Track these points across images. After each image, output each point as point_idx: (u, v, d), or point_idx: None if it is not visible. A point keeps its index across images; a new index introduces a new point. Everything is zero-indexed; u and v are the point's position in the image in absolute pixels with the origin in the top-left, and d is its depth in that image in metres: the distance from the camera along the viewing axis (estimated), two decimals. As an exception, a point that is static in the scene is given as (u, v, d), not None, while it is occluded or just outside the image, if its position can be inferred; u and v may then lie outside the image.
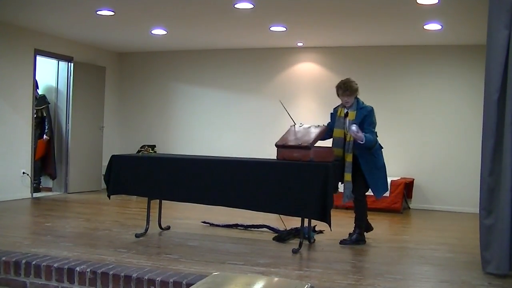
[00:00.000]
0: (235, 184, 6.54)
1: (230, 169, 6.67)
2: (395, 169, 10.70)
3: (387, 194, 9.90)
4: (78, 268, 5.09)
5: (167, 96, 12.70)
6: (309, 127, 6.80)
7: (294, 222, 7.21)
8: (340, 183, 6.82)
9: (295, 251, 6.33)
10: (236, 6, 8.17)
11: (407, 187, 10.40)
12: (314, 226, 7.37)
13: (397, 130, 10.71)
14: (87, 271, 5.05)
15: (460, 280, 5.39)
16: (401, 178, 10.49)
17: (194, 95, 12.45)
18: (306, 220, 6.67)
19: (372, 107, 6.83)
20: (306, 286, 3.15)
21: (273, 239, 7.11)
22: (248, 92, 12.04)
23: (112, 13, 8.82)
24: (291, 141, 6.56)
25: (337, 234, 7.11)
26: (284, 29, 9.81)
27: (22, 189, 10.42)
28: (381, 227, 8.77)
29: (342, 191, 6.87)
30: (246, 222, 7.98)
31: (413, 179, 10.61)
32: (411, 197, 10.68)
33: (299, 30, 10.09)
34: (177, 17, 9.21)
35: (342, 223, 7.55)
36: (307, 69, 11.70)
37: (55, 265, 5.16)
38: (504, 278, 5.36)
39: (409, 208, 10.65)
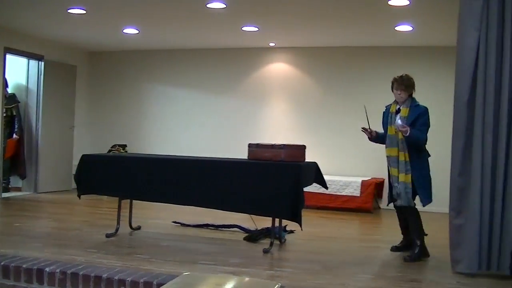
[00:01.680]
0: (206, 184, 6.53)
1: (201, 169, 6.66)
2: (366, 169, 10.77)
3: (351, 191, 10.00)
4: (47, 269, 5.03)
5: (139, 95, 12.64)
6: None
7: (265, 222, 7.20)
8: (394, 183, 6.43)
9: (266, 251, 6.35)
10: (208, 6, 8.15)
11: (378, 187, 10.45)
12: (285, 226, 7.37)
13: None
14: (57, 272, 4.99)
15: (429, 279, 5.48)
16: (372, 178, 10.55)
17: (166, 95, 12.41)
18: (277, 220, 6.72)
19: (427, 108, 6.43)
20: (277, 286, 3.16)
21: (244, 239, 7.11)
22: (220, 92, 12.02)
23: (84, 12, 8.75)
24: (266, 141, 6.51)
25: (307, 234, 7.11)
26: (256, 29, 9.82)
27: (-9, 189, 10.30)
28: (352, 227, 8.84)
29: (393, 192, 6.48)
30: (217, 222, 7.98)
31: (384, 179, 10.66)
32: (382, 197, 10.73)
33: (271, 30, 10.11)
34: (149, 16, 9.18)
35: (313, 223, 7.59)
36: (279, 69, 11.71)
37: (24, 265, 5.09)
38: (473, 278, 5.42)
39: (380, 208, 10.71)
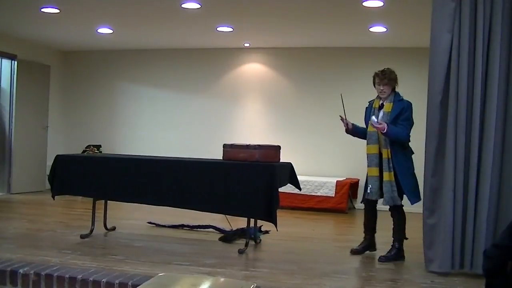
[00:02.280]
0: (181, 184, 6.52)
1: (176, 169, 6.65)
2: (340, 169, 10.82)
3: (325, 192, 10.03)
4: (21, 270, 5.01)
5: (113, 95, 12.59)
6: None
7: (240, 223, 7.20)
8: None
9: (241, 252, 6.35)
10: (183, 6, 8.15)
11: (352, 187, 10.51)
12: (260, 226, 7.39)
13: (342, 131, 10.78)
14: (31, 273, 4.97)
15: (403, 278, 5.50)
16: (347, 178, 10.60)
17: (141, 95, 12.37)
18: (252, 220, 6.73)
19: (411, 103, 6.25)
20: (252, 286, 3.17)
21: (219, 239, 7.11)
22: (195, 92, 12.01)
23: (57, 11, 8.70)
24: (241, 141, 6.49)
25: (283, 234, 7.14)
26: (231, 29, 9.83)
27: (-37, 190, 10.20)
28: (326, 227, 8.87)
29: (369, 191, 6.31)
30: (192, 223, 7.96)
31: (358, 180, 10.72)
32: (356, 197, 10.78)
33: (245, 31, 10.13)
34: (124, 16, 9.15)
35: (288, 223, 7.60)
36: (254, 70, 11.73)
37: (-3, 267, 5.06)
38: (447, 277, 5.47)
39: (354, 208, 10.74)
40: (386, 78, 6.24)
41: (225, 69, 11.88)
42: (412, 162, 6.26)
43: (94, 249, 6.35)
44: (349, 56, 11.04)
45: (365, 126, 6.50)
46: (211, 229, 7.75)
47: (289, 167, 7.00)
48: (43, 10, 8.65)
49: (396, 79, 6.32)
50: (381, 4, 7.64)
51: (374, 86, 6.43)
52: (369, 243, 6.56)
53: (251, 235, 6.79)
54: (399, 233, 6.32)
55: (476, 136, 5.50)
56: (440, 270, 5.55)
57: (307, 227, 8.56)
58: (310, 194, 10.23)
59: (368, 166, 6.34)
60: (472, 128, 5.52)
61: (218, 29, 9.81)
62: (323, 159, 11.07)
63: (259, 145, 6.55)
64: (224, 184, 6.36)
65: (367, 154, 6.37)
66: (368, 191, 6.31)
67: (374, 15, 8.30)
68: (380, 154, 6.24)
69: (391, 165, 6.11)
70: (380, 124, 5.97)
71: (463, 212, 5.53)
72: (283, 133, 11.21)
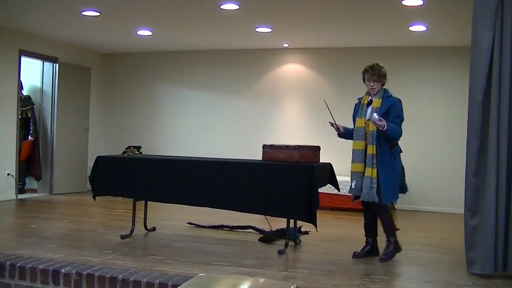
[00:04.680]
0: (220, 185, 6.52)
1: (215, 170, 6.66)
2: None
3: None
4: (63, 270, 5.06)
5: (153, 97, 12.66)
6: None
7: (279, 223, 7.20)
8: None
9: (281, 252, 6.34)
10: (222, 7, 8.16)
11: (392, 187, 10.40)
12: (300, 227, 7.37)
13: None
14: (73, 273, 5.02)
15: (444, 280, 5.41)
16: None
17: (180, 96, 12.42)
18: (291, 221, 6.71)
19: (400, 100, 6.20)
20: (292, 287, 3.16)
21: (259, 240, 7.11)
22: (234, 93, 12.03)
23: (97, 14, 8.79)
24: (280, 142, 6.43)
25: (322, 235, 7.12)
26: (270, 30, 9.82)
27: (7, 191, 10.34)
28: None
29: (353, 187, 6.25)
30: (232, 223, 7.97)
31: (398, 180, 10.63)
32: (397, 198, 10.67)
33: (284, 31, 10.10)
34: (163, 18, 9.20)
35: (328, 224, 7.56)
36: (293, 70, 11.70)
37: (40, 266, 5.13)
38: (489, 279, 5.38)
39: (394, 208, 10.64)
40: (376, 75, 6.23)
41: (264, 69, 11.87)
42: (399, 161, 6.24)
43: (134, 249, 6.40)
44: (388, 56, 10.93)
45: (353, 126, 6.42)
46: (250, 230, 7.75)
47: (328, 167, 6.98)
48: (83, 13, 8.74)
49: (385, 75, 6.29)
50: (421, 2, 7.56)
51: (364, 82, 6.41)
52: (371, 247, 6.42)
53: (291, 235, 6.76)
54: (389, 227, 6.23)
55: (519, 135, 5.40)
56: (482, 272, 5.46)
57: (347, 228, 8.50)
58: (350, 194, 10.15)
59: (352, 162, 6.26)
60: (514, 127, 5.42)
61: (257, 29, 9.80)
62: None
63: (298, 146, 6.52)
64: (264, 185, 6.36)
65: (352, 149, 6.28)
66: (353, 187, 6.25)
67: (414, 14, 8.22)
68: (366, 151, 6.15)
69: (374, 161, 6.05)
70: (381, 121, 5.87)
71: (506, 213, 5.44)
72: (323, 134, 11.12)
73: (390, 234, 6.23)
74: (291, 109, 11.60)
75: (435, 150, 10.64)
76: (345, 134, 6.48)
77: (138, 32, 10.36)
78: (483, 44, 5.52)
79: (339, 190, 7.46)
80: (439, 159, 10.57)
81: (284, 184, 6.26)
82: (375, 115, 5.92)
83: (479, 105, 5.54)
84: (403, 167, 6.35)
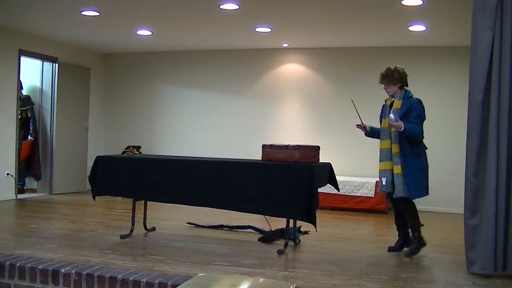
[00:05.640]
0: (220, 185, 6.52)
1: (215, 170, 6.65)
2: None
3: (365, 192, 9.95)
4: (63, 270, 5.06)
5: (152, 97, 12.66)
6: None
7: (279, 223, 7.19)
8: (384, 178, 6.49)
9: (280, 252, 6.33)
10: (221, 7, 8.16)
11: (392, 187, 10.40)
12: (300, 227, 7.36)
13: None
14: (72, 273, 5.02)
15: (444, 280, 5.42)
16: (386, 178, 10.48)
17: (179, 96, 12.42)
18: (291, 221, 6.70)
19: (420, 100, 6.47)
20: (292, 286, 3.16)
21: (259, 240, 7.10)
22: (234, 93, 12.02)
23: (97, 14, 8.79)
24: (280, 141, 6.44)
25: (322, 234, 7.12)
26: (269, 30, 9.81)
27: (6, 191, 10.33)
28: (366, 228, 8.80)
29: (384, 183, 6.49)
30: (231, 223, 7.97)
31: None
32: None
33: (284, 31, 10.09)
34: (162, 17, 9.19)
35: (328, 224, 7.57)
36: (292, 70, 11.70)
37: (40, 266, 5.13)
38: (489, 278, 5.38)
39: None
40: (385, 78, 6.53)
41: (263, 69, 11.87)
42: (424, 158, 6.46)
43: (134, 249, 6.40)
44: (388, 55, 10.92)
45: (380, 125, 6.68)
46: (250, 230, 7.74)
47: (328, 167, 6.97)
48: (83, 13, 8.74)
49: (400, 78, 6.51)
50: (420, 2, 7.56)
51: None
52: (404, 240, 6.68)
53: (291, 235, 6.76)
54: (415, 223, 6.44)
55: (519, 135, 5.40)
56: (482, 272, 5.45)
57: (347, 228, 8.50)
58: (350, 194, 10.18)
59: (380, 160, 6.55)
60: (514, 127, 5.42)
61: (257, 29, 9.80)
62: (363, 159, 10.98)
63: (298, 146, 6.51)
64: (263, 185, 6.35)
65: (380, 149, 6.58)
66: (384, 183, 6.49)
67: (414, 13, 8.22)
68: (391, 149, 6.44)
69: (398, 159, 6.34)
70: (397, 121, 6.15)
71: (505, 212, 5.42)
72: (322, 134, 11.16)
73: (415, 229, 6.44)
74: (291, 109, 11.59)
75: (435, 149, 10.51)
76: (372, 132, 6.74)
77: (138, 32, 10.35)
78: (483, 44, 5.51)
79: (338, 190, 7.45)
80: (439, 159, 10.50)
81: (284, 184, 6.25)
82: (391, 116, 6.21)
83: (479, 105, 5.54)
84: (428, 164, 6.52)
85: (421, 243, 6.43)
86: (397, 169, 6.33)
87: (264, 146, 6.79)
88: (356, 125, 6.71)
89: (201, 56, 12.26)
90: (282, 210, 6.33)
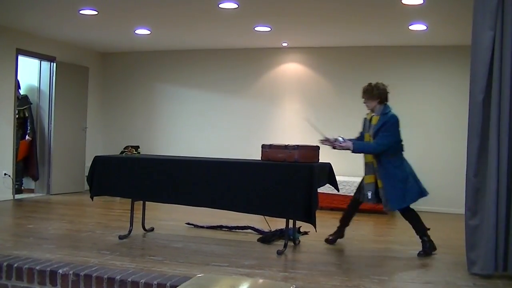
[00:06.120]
0: (219, 185, 6.50)
1: (214, 170, 6.63)
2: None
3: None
4: (60, 271, 5.05)
5: (151, 96, 12.64)
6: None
7: (279, 223, 7.18)
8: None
9: (280, 253, 6.32)
10: (220, 6, 8.14)
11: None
12: (299, 227, 7.36)
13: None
14: (70, 273, 5.01)
15: (445, 281, 5.40)
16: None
17: (178, 96, 12.39)
18: (291, 221, 6.69)
19: (396, 117, 6.60)
20: (291, 287, 3.14)
21: (258, 240, 7.08)
22: (233, 93, 11.99)
23: (95, 13, 8.75)
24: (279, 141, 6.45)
25: (322, 235, 7.10)
26: (269, 29, 9.78)
27: (4, 191, 10.31)
28: (366, 228, 8.77)
29: (369, 197, 6.78)
30: (230, 223, 7.95)
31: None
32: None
33: (283, 30, 10.07)
34: (161, 17, 9.16)
35: (327, 224, 7.52)
36: (292, 70, 11.67)
37: (38, 267, 5.12)
38: (490, 279, 5.37)
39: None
40: (365, 94, 6.75)
41: (263, 69, 11.84)
42: (403, 169, 6.58)
43: (132, 250, 6.38)
44: (388, 55, 10.92)
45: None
46: (249, 230, 7.73)
47: (328, 167, 6.98)
48: (81, 12, 8.70)
49: (379, 93, 6.66)
50: (421, 1, 7.53)
51: None
52: (339, 235, 7.11)
53: (290, 236, 6.75)
54: (419, 227, 6.63)
55: (520, 135, 5.38)
56: (482, 272, 5.44)
57: (347, 228, 8.48)
58: (350, 194, 10.11)
59: (365, 173, 6.80)
60: (515, 127, 5.40)
61: (256, 29, 9.77)
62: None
63: (297, 146, 6.50)
64: (263, 185, 6.34)
65: (364, 162, 6.83)
66: (369, 197, 6.73)
67: (414, 12, 8.19)
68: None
69: (371, 169, 6.68)
70: (345, 142, 6.59)
71: (506, 212, 5.41)
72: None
73: (422, 234, 6.62)
74: (291, 109, 11.56)
75: (435, 149, 10.61)
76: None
77: (137, 31, 10.32)
78: (484, 44, 5.50)
79: (338, 190, 7.46)
80: (439, 159, 10.53)
81: (283, 184, 6.23)
82: (339, 138, 6.62)
83: (480, 105, 5.52)
84: (411, 172, 6.66)
85: (431, 246, 6.54)
86: (380, 183, 6.59)
87: (263, 146, 6.77)
88: (320, 140, 6.75)
89: (200, 55, 12.23)
90: (282, 210, 6.30)
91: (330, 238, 7.07)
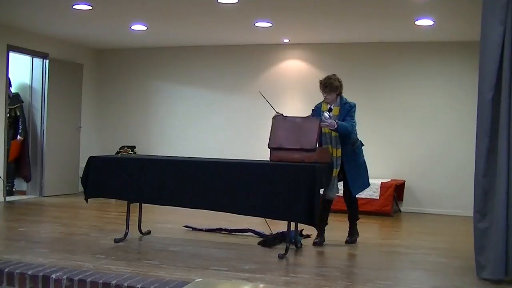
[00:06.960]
0: (218, 187, 6.44)
1: (213, 171, 6.57)
2: (385, 171, 10.59)
3: (370, 194, 9.83)
4: (53, 275, 4.98)
5: (147, 94, 12.60)
6: (296, 118, 6.88)
7: (280, 226, 7.21)
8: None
9: (281, 256, 6.24)
10: (219, 0, 8.10)
11: (398, 189, 10.33)
12: (301, 230, 7.28)
13: (387, 130, 10.66)
14: (64, 279, 4.94)
15: (452, 286, 5.36)
16: (392, 180, 10.38)
17: (176, 94, 12.37)
18: (292, 224, 6.59)
19: (355, 104, 7.05)
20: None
21: (258, 243, 7.01)
22: (233, 91, 11.96)
23: (90, 8, 8.67)
24: (291, 142, 6.54)
25: (325, 237, 7.06)
26: (270, 25, 9.74)
27: (-5, 192, 10.25)
28: (371, 231, 8.77)
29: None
30: (230, 226, 7.88)
31: (404, 181, 10.49)
32: (402, 200, 10.59)
33: (284, 26, 10.04)
34: (158, 12, 9.10)
35: (330, 227, 7.45)
36: (293, 67, 11.64)
37: (30, 272, 5.05)
38: (499, 284, 5.27)
39: (400, 211, 10.60)
40: (328, 87, 6.97)
41: (263, 66, 11.80)
42: (362, 154, 7.17)
43: (128, 253, 6.33)
44: (394, 51, 10.86)
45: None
46: (250, 233, 7.66)
47: (330, 168, 6.91)
48: (75, 7, 8.62)
49: (339, 87, 7.03)
50: (428, -5, 7.49)
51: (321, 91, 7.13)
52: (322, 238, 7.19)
53: (292, 239, 6.66)
54: (357, 215, 7.37)
55: (530, 134, 5.31)
56: (492, 277, 5.32)
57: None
58: (354, 196, 10.08)
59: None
60: (526, 126, 5.33)
61: (256, 24, 9.73)
62: (367, 160, 10.87)
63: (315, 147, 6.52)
64: (263, 186, 6.27)
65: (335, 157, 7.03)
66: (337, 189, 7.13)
67: (421, 7, 8.16)
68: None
69: (338, 162, 6.92)
70: (330, 119, 6.70)
71: (516, 215, 5.33)
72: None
73: (356, 220, 7.29)
74: (292, 107, 11.40)
75: (443, 149, 10.53)
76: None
77: (132, 27, 10.26)
78: (493, 39, 5.41)
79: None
80: (447, 159, 10.44)
81: (284, 185, 6.17)
82: (325, 113, 6.78)
83: (489, 103, 5.44)
84: (365, 161, 7.23)
85: (358, 234, 7.27)
86: (334, 172, 6.90)
87: (274, 148, 6.74)
88: (277, 113, 7.00)
89: (198, 52, 12.18)
90: (283, 212, 6.22)
91: (316, 241, 7.11)
